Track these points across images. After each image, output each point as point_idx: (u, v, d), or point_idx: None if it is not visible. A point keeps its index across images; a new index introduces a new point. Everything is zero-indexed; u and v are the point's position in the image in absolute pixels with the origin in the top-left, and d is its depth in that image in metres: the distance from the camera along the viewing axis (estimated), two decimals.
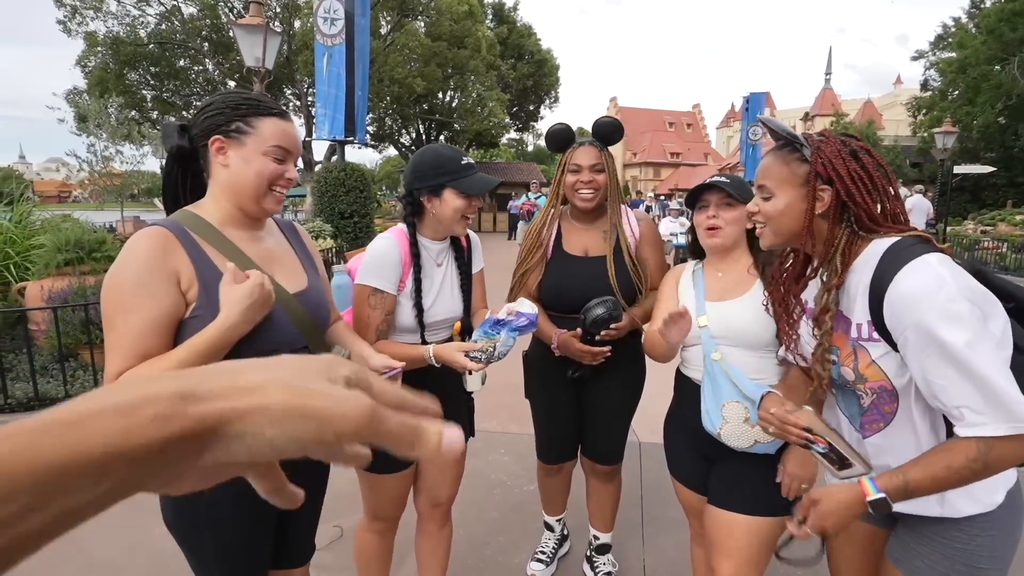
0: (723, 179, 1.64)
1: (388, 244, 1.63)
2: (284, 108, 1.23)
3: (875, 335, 1.09)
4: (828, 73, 52.58)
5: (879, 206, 1.12)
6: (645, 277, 1.97)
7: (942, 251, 1.06)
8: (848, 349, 1.14)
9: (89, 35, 18.99)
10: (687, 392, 1.71)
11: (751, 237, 1.65)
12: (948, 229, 14.05)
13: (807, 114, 50.68)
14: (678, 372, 1.78)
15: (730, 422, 1.53)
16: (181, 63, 20.67)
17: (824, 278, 1.17)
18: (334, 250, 8.21)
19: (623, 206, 2.04)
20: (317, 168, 15.47)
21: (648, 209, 16.06)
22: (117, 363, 1.06)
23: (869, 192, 1.10)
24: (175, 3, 19.22)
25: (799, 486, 1.47)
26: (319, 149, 20.79)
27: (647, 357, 2.06)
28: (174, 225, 1.13)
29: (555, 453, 2.19)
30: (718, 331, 1.60)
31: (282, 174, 1.20)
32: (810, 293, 1.27)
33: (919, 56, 29.04)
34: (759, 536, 1.51)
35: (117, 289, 1.07)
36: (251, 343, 1.14)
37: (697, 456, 1.66)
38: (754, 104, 20.93)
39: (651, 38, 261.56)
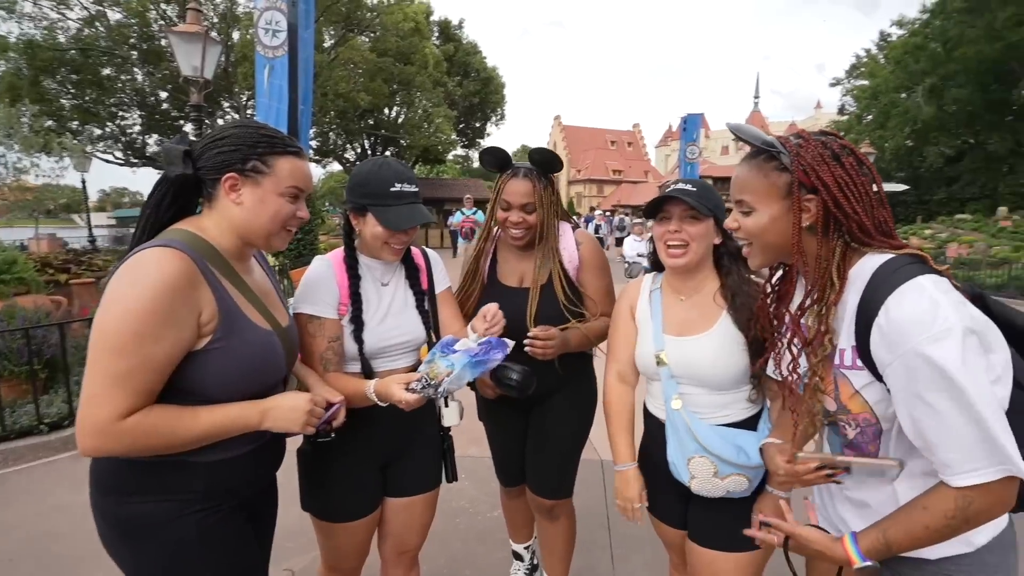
0: (687, 187, 1.46)
1: (321, 266, 1.53)
2: (300, 145, 1.20)
3: (859, 363, 1.00)
4: (756, 97, 56.39)
5: (867, 214, 1.01)
6: (586, 303, 1.83)
7: (939, 272, 0.95)
8: (829, 377, 1.07)
9: None
10: (653, 430, 1.57)
11: (718, 255, 1.52)
12: None
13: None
14: (644, 406, 1.63)
15: (698, 477, 1.43)
16: (106, 71, 19.44)
17: (816, 297, 1.07)
18: (277, 268, 7.86)
19: (566, 225, 1.89)
20: None
21: (597, 228, 15.43)
22: (127, 399, 0.97)
23: (858, 200, 1.00)
24: (100, 8, 18.09)
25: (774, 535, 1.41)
26: None
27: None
28: (191, 250, 1.06)
29: (511, 475, 2.08)
30: (679, 371, 1.46)
31: (295, 213, 1.18)
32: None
33: (836, 83, 31.48)
34: (747, 571, 1.45)
35: (139, 314, 0.97)
36: (261, 378, 1.16)
37: (672, 493, 1.54)
38: (690, 124, 21.90)
39: (593, 59, 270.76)
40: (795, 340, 1.15)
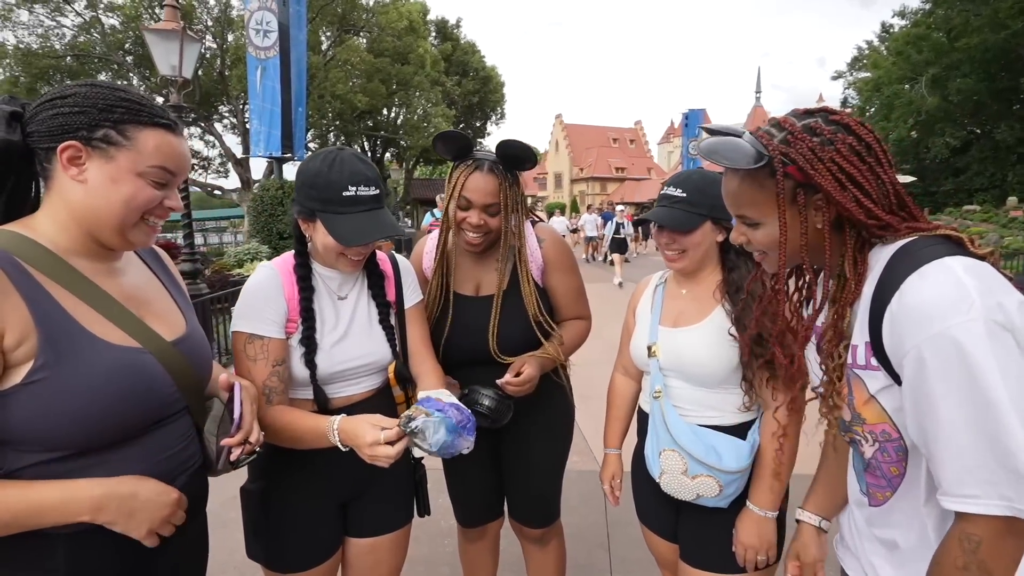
0: (676, 192, 1.36)
1: (264, 276, 1.28)
2: (174, 119, 0.95)
3: (873, 361, 0.85)
4: (758, 92, 55.88)
5: (880, 201, 0.87)
6: (554, 308, 1.64)
7: (976, 255, 0.81)
8: (843, 380, 0.93)
9: None
10: (643, 428, 1.50)
11: (725, 249, 1.43)
12: None
13: None
14: (639, 407, 1.58)
15: (667, 472, 1.36)
16: (102, 77, 19.41)
17: (832, 297, 0.94)
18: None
19: (526, 222, 1.62)
20: (255, 187, 14.78)
21: (619, 227, 12.88)
22: None
23: (860, 188, 0.86)
24: (94, 14, 18.05)
25: (755, 556, 1.29)
26: (257, 167, 19.93)
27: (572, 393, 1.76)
28: None
29: (474, 513, 1.80)
30: (668, 362, 1.41)
31: (160, 202, 0.93)
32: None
33: (838, 76, 31.20)
34: None
35: None
36: (121, 417, 0.88)
37: (662, 501, 1.45)
38: (693, 120, 21.81)
39: (593, 58, 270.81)
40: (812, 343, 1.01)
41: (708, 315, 1.39)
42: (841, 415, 0.95)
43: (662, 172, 55.42)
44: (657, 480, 1.39)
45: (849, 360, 0.90)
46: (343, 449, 1.16)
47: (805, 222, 0.89)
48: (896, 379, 0.81)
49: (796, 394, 1.06)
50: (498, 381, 1.45)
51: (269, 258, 8.43)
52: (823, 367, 0.96)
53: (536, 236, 1.64)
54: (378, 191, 1.25)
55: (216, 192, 21.62)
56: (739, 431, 1.35)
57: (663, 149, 64.90)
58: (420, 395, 1.27)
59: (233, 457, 1.02)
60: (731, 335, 1.32)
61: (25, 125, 0.88)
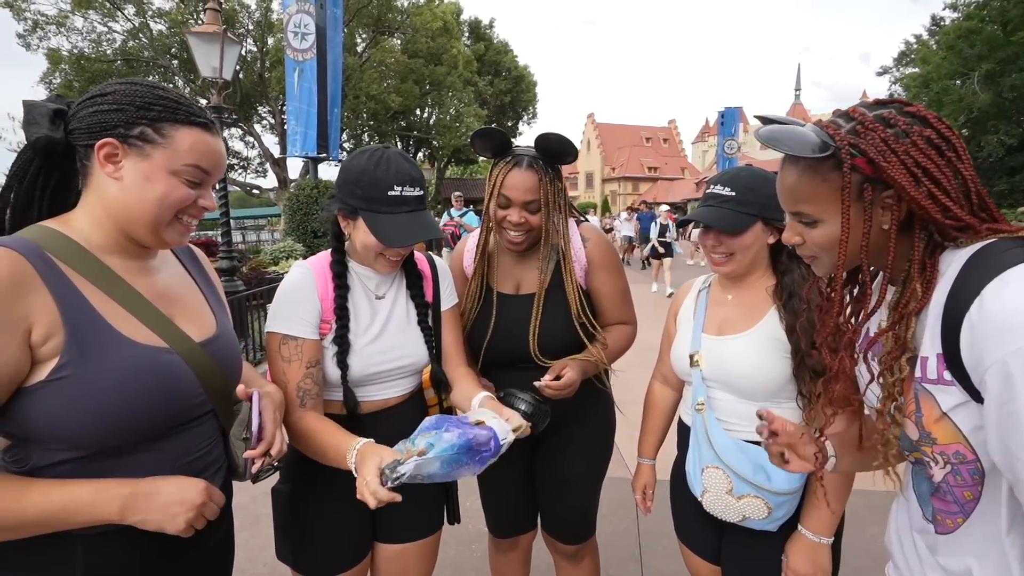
0: (724, 191, 1.28)
1: (299, 275, 1.26)
2: (211, 118, 0.95)
3: (947, 375, 0.78)
4: (798, 89, 54.46)
5: (959, 200, 0.79)
6: (598, 312, 1.58)
7: None
8: (909, 394, 0.85)
9: (52, 52, 18.46)
10: (683, 442, 1.44)
11: (775, 250, 1.34)
12: None
13: None
14: (679, 418, 1.51)
15: (710, 491, 1.29)
16: (150, 80, 20.22)
17: (895, 304, 0.85)
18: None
19: (570, 221, 1.58)
20: (291, 187, 15.14)
21: (664, 230, 11.37)
22: None
23: (937, 184, 0.78)
24: (143, 20, 18.81)
25: None
26: (294, 167, 20.44)
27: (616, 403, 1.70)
28: (29, 248, 0.81)
29: (506, 524, 1.75)
30: (711, 372, 1.33)
31: (194, 200, 0.93)
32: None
33: (884, 72, 30.02)
34: None
35: None
36: (147, 415, 0.87)
37: (704, 520, 1.37)
38: (728, 118, 21.31)
39: (626, 56, 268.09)
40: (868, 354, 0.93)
41: (757, 323, 1.30)
42: (906, 431, 0.86)
43: (696, 172, 54.45)
44: (699, 499, 1.32)
45: (918, 374, 0.83)
46: (356, 475, 1.06)
47: (870, 221, 0.82)
48: (974, 395, 0.74)
49: (856, 408, 0.99)
50: (536, 383, 1.40)
51: (304, 256, 8.66)
52: (880, 381, 0.88)
53: (580, 235, 1.58)
54: (422, 192, 1.22)
55: (255, 191, 22.22)
56: None
57: (697, 148, 63.70)
58: (472, 414, 1.17)
59: (254, 469, 0.99)
60: (782, 345, 1.24)
61: (68, 123, 0.89)
